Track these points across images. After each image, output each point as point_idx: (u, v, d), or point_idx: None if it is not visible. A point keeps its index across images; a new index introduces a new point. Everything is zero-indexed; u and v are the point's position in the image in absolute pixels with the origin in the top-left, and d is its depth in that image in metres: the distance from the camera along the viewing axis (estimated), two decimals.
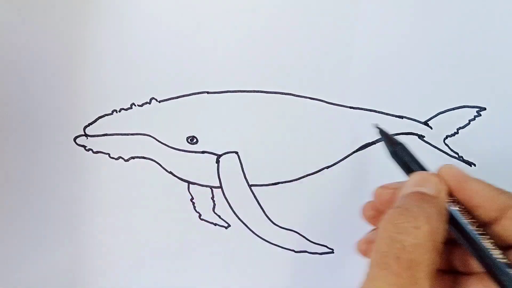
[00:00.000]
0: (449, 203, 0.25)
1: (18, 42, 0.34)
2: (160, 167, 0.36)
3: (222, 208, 0.37)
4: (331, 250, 0.37)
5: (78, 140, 0.35)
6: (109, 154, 0.36)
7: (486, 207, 0.25)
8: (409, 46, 0.35)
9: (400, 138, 0.29)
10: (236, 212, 0.37)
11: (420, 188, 0.25)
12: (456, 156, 0.36)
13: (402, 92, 0.35)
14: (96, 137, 0.35)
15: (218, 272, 0.38)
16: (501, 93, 0.35)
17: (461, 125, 0.36)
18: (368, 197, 0.33)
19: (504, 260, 0.23)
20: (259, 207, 0.37)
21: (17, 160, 0.35)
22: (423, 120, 0.36)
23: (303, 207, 0.37)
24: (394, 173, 0.36)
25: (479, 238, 0.24)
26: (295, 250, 0.37)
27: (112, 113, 0.35)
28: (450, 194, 0.26)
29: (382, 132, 0.30)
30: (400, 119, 0.36)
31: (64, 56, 0.34)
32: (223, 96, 0.35)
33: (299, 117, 0.36)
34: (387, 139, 0.29)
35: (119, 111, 0.35)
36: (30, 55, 0.34)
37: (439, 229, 0.23)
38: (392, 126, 0.36)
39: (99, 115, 0.35)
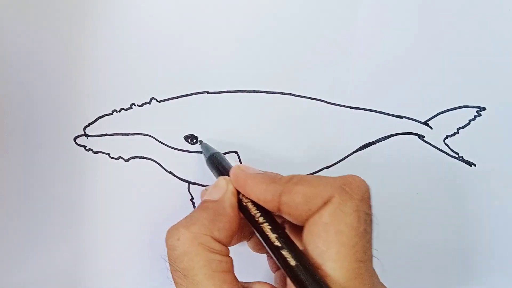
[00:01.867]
0: (240, 201, 0.28)
1: (18, 42, 0.34)
2: (160, 167, 0.36)
3: None
4: None
5: (78, 140, 0.35)
6: (109, 154, 0.36)
7: (264, 200, 0.27)
8: (409, 46, 0.35)
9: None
10: None
11: (206, 196, 0.29)
12: (456, 156, 0.36)
13: (402, 92, 0.35)
14: (96, 137, 0.35)
15: None
16: (501, 93, 0.35)
17: (461, 125, 0.36)
18: None
19: (276, 243, 0.25)
20: None
21: (17, 160, 0.35)
22: (423, 120, 0.36)
23: None
24: (395, 173, 0.36)
25: (258, 226, 0.27)
26: None
27: (112, 113, 0.35)
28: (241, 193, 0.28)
29: (202, 144, 0.34)
30: (400, 119, 0.36)
31: (64, 56, 0.34)
32: (223, 96, 0.35)
33: (299, 117, 0.36)
34: (205, 148, 0.34)
35: (119, 111, 0.35)
36: (30, 55, 0.34)
37: (206, 231, 0.26)
38: (392, 126, 0.36)
39: (99, 115, 0.35)
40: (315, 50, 0.35)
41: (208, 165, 0.33)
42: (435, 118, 0.36)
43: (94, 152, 0.36)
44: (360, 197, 0.25)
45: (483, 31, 0.34)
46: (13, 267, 0.37)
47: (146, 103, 0.35)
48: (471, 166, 0.36)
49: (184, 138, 0.36)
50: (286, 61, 0.35)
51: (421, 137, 0.36)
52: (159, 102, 0.35)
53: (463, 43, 0.35)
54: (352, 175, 0.26)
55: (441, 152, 0.36)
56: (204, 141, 0.35)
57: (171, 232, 0.26)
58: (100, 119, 0.35)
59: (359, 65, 0.35)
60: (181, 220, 0.27)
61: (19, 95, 0.35)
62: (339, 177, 0.26)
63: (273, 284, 0.28)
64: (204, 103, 0.35)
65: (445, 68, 0.35)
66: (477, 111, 0.35)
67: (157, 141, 0.36)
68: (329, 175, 0.36)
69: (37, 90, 0.35)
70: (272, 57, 0.35)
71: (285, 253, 0.25)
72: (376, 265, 0.26)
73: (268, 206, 0.27)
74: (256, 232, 0.27)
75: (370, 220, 0.25)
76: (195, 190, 0.37)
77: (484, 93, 0.35)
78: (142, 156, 0.36)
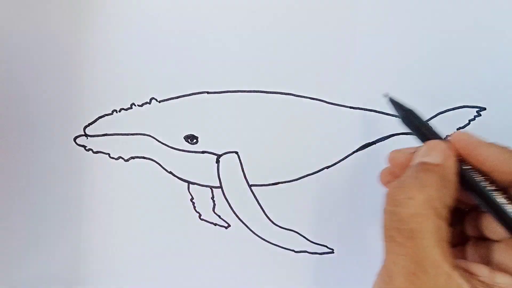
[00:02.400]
0: (464, 169, 0.26)
1: (18, 42, 0.34)
2: (160, 167, 0.36)
3: (222, 208, 0.37)
4: (331, 250, 0.37)
5: (78, 140, 0.35)
6: (109, 154, 0.36)
7: (500, 171, 0.25)
8: (409, 46, 0.35)
9: (409, 105, 0.29)
10: (236, 212, 0.37)
11: (424, 158, 0.26)
12: None
13: (402, 92, 0.35)
14: (96, 137, 0.35)
15: (218, 272, 0.38)
16: (501, 93, 0.35)
17: (461, 125, 0.36)
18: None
19: None
20: (259, 207, 0.37)
21: (17, 160, 0.35)
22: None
23: (303, 207, 0.37)
24: None
25: (493, 195, 0.25)
26: (295, 250, 0.37)
27: (112, 113, 0.35)
28: (464, 160, 0.26)
29: (391, 100, 0.30)
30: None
31: (64, 56, 0.34)
32: (223, 96, 0.35)
33: (299, 117, 0.36)
34: (397, 106, 0.30)
35: (119, 111, 0.35)
36: (30, 55, 0.34)
37: (439, 196, 0.24)
38: (392, 126, 0.36)
39: (99, 115, 0.35)
40: (315, 50, 0.35)
41: (405, 123, 0.30)
42: (435, 118, 0.36)
43: (94, 152, 0.36)
44: None
45: (483, 31, 0.34)
46: (13, 267, 0.37)
47: (146, 103, 0.35)
48: None
49: (184, 138, 0.36)
50: (286, 61, 0.35)
51: None
52: (159, 102, 0.35)
53: (463, 43, 0.35)
54: None
55: None
56: (391, 96, 0.31)
57: (402, 189, 0.24)
58: (100, 119, 0.35)
59: (359, 65, 0.35)
60: (406, 179, 0.25)
61: (19, 95, 0.35)
62: None
63: None
64: (204, 103, 0.35)
65: (445, 68, 0.35)
66: (477, 111, 0.35)
67: (157, 141, 0.36)
68: (329, 175, 0.36)
69: (37, 90, 0.35)
70: (272, 57, 0.35)
71: None
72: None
73: (502, 177, 0.25)
74: (483, 203, 0.25)
75: None
76: (195, 190, 0.37)
77: (484, 93, 0.35)
78: (142, 156, 0.36)
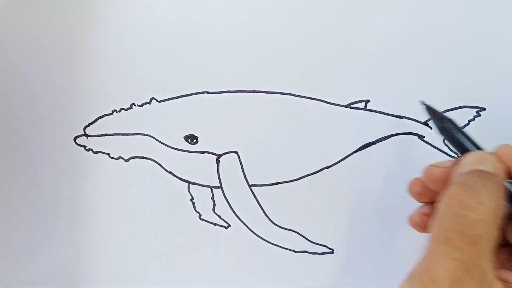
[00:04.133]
0: (507, 181, 0.26)
1: (18, 42, 0.34)
2: (160, 167, 0.36)
3: (222, 208, 0.37)
4: (331, 250, 0.37)
5: (78, 140, 0.35)
6: (109, 154, 0.36)
7: None
8: (409, 46, 0.35)
9: (449, 115, 0.29)
10: (236, 212, 0.37)
11: (479, 166, 0.26)
12: (456, 156, 0.36)
13: (402, 92, 0.35)
14: (96, 137, 0.35)
15: (218, 272, 0.38)
16: (501, 93, 0.35)
17: (461, 125, 0.36)
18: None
19: None
20: (259, 207, 0.37)
21: (17, 160, 0.35)
22: (423, 120, 0.36)
23: (303, 207, 0.37)
24: (395, 173, 0.36)
25: None
26: (295, 250, 0.37)
27: (112, 113, 0.35)
28: (508, 173, 0.26)
29: (429, 108, 0.30)
30: (400, 119, 0.36)
31: (64, 56, 0.34)
32: (223, 96, 0.35)
33: (299, 117, 0.36)
34: (435, 115, 0.30)
35: (119, 111, 0.35)
36: (30, 55, 0.34)
37: (501, 205, 0.24)
38: (392, 126, 0.36)
39: (99, 115, 0.35)
40: (315, 50, 0.35)
41: (442, 133, 0.29)
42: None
43: (94, 152, 0.36)
44: None
45: (483, 31, 0.34)
46: (13, 267, 0.37)
47: (146, 103, 0.35)
48: None
49: (184, 138, 0.36)
50: (286, 61, 0.35)
51: (421, 137, 0.36)
52: (159, 102, 0.35)
53: (463, 43, 0.35)
54: None
55: (441, 152, 0.36)
56: (428, 104, 0.30)
57: (473, 194, 0.24)
58: (100, 119, 0.35)
59: (359, 65, 0.35)
60: (473, 184, 0.25)
61: (19, 95, 0.35)
62: None
63: None
64: (204, 103, 0.35)
65: (445, 68, 0.35)
66: (476, 111, 0.35)
67: (157, 141, 0.36)
68: (329, 175, 0.36)
69: (37, 90, 0.35)
70: (272, 57, 0.35)
71: None
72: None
73: None
74: None
75: None
76: (195, 190, 0.36)
77: (484, 93, 0.35)
78: (142, 156, 0.36)
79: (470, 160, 0.27)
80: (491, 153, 0.27)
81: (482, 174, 0.25)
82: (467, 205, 0.24)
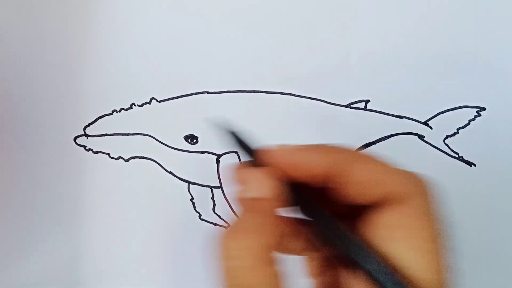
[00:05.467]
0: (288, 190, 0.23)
1: (18, 42, 0.34)
2: (160, 167, 0.36)
3: (222, 208, 0.37)
4: None
5: (78, 140, 0.35)
6: (109, 154, 0.36)
7: (311, 174, 0.23)
8: (409, 46, 0.35)
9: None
10: (236, 212, 0.37)
11: (243, 192, 0.23)
12: (456, 156, 0.36)
13: (402, 92, 0.35)
14: (96, 137, 0.35)
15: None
16: (501, 93, 0.35)
17: (461, 125, 0.36)
18: None
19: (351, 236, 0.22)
20: None
21: (17, 160, 0.35)
22: (423, 120, 0.36)
23: None
24: None
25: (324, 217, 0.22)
26: None
27: (112, 113, 0.35)
28: (289, 178, 0.23)
29: (217, 125, 0.27)
30: (400, 119, 0.36)
31: (64, 56, 0.34)
32: (223, 96, 0.35)
33: (299, 117, 0.36)
34: (222, 128, 0.27)
35: (119, 111, 0.35)
36: (30, 55, 0.34)
37: (266, 241, 0.21)
38: (392, 126, 0.36)
39: (99, 115, 0.35)
40: (315, 50, 0.35)
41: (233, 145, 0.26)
42: (435, 118, 0.36)
43: (94, 152, 0.36)
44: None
45: (483, 31, 0.34)
46: (13, 267, 0.37)
47: (146, 103, 0.35)
48: (471, 166, 0.36)
49: (184, 138, 0.36)
50: (286, 61, 0.35)
51: (421, 137, 0.36)
52: (159, 102, 0.35)
53: (463, 43, 0.35)
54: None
55: (441, 152, 0.36)
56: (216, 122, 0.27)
57: (230, 238, 0.21)
58: (100, 119, 0.35)
59: (359, 65, 0.35)
60: (235, 224, 0.22)
61: (19, 95, 0.35)
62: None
63: None
64: (204, 103, 0.35)
65: (445, 68, 0.35)
66: (477, 111, 0.35)
67: (157, 141, 0.36)
68: None
69: (37, 90, 0.35)
70: (272, 57, 0.35)
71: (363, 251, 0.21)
72: None
73: (317, 179, 0.23)
74: (316, 226, 0.23)
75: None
76: (195, 190, 0.37)
77: (484, 93, 0.35)
78: (142, 156, 0.36)
79: (236, 181, 0.23)
80: (258, 168, 0.24)
81: (244, 205, 0.22)
82: (227, 256, 0.21)
